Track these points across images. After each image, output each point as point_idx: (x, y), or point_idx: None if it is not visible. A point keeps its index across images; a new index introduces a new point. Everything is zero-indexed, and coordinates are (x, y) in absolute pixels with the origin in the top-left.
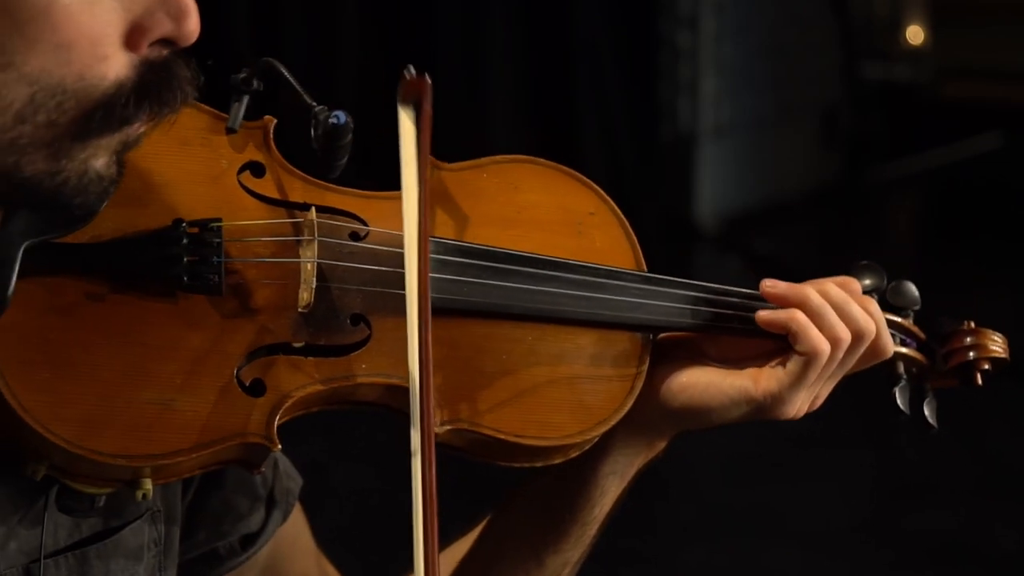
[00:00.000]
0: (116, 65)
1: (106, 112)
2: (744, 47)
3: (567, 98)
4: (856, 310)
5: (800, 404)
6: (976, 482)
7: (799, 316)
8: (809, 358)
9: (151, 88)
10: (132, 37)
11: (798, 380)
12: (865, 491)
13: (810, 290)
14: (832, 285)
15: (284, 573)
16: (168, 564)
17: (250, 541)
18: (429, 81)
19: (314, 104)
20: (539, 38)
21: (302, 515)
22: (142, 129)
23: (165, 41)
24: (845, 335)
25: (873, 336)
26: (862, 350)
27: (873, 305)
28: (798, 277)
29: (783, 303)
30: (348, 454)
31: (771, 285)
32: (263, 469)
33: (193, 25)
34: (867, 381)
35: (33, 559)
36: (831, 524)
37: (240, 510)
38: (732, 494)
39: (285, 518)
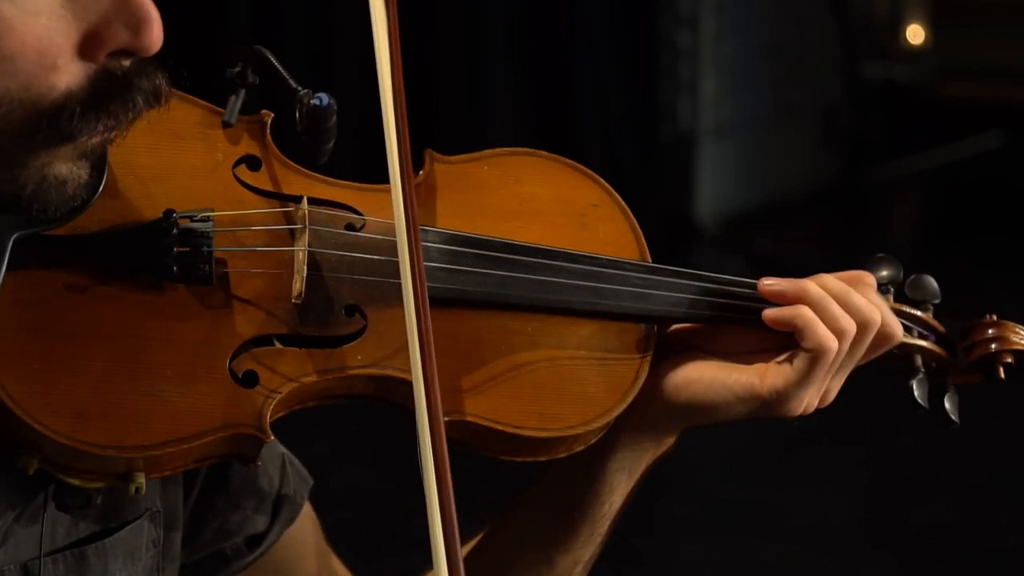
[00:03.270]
0: (67, 75)
1: (51, 123)
2: (744, 47)
3: (567, 98)
4: (858, 299)
5: (808, 401)
6: (978, 477)
7: (805, 312)
8: (816, 354)
9: (102, 99)
10: (87, 47)
11: (806, 377)
12: (865, 487)
13: (809, 283)
14: (830, 278)
15: (293, 575)
16: (166, 565)
17: (256, 542)
18: None
19: (298, 88)
20: (539, 38)
21: (312, 516)
22: (102, 138)
23: (128, 51)
24: (850, 326)
25: (878, 325)
26: (868, 340)
27: (871, 293)
28: (798, 276)
29: (782, 299)
30: (348, 454)
31: (769, 283)
32: (259, 463)
33: (155, 35)
34: (866, 377)
35: (31, 557)
36: (830, 520)
37: (246, 510)
38: (730, 491)
39: (293, 519)
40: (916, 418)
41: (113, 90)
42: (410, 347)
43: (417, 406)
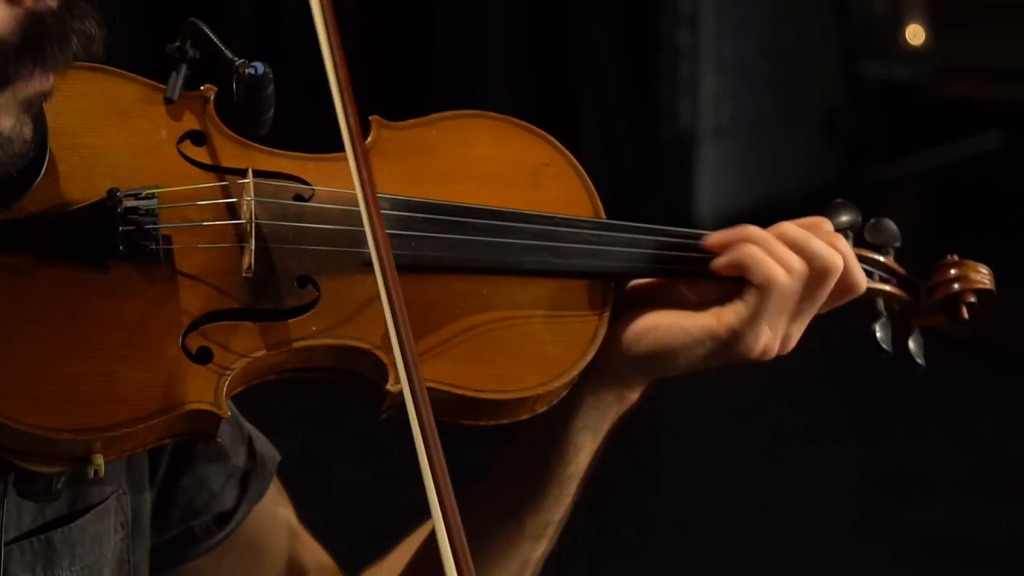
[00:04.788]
0: None
1: None
2: (744, 46)
3: (567, 98)
4: (818, 244)
5: (764, 340)
6: (968, 476)
7: (747, 248)
8: (764, 287)
9: (36, 42)
10: None
11: (758, 312)
12: (858, 485)
13: (750, 227)
14: (788, 224)
15: (265, 551)
16: (136, 547)
17: (225, 519)
18: None
19: (234, 58)
20: (539, 38)
21: (281, 492)
22: (41, 86)
23: None
24: (798, 265)
25: (840, 270)
26: (830, 285)
27: (840, 240)
28: None
29: (728, 248)
30: (344, 450)
31: (711, 235)
32: (218, 439)
33: None
34: (864, 377)
35: None
36: (824, 518)
37: (213, 487)
38: (724, 488)
39: (261, 495)
40: (881, 361)
41: (45, 33)
42: (385, 314)
43: (400, 372)
